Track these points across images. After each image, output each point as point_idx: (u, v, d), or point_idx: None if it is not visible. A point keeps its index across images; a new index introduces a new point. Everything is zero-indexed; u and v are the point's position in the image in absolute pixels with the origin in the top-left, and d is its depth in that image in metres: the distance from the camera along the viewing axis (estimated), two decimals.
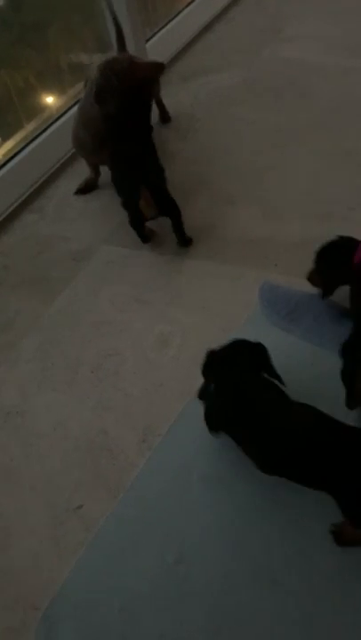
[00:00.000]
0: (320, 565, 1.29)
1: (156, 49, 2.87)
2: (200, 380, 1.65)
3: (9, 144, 2.51)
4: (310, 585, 1.26)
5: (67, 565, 1.36)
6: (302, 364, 1.62)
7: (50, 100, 2.83)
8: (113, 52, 2.40)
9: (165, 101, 2.59)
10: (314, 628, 1.21)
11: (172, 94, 2.70)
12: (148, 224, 2.02)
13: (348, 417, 1.37)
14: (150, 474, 1.48)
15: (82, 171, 2.37)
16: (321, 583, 1.26)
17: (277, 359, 1.64)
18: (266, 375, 1.38)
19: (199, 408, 1.59)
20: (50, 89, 2.80)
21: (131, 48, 2.49)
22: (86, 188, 2.35)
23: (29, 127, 2.56)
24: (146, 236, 2.04)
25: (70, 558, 1.37)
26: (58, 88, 2.81)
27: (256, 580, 1.28)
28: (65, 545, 1.40)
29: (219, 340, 1.65)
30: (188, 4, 3.21)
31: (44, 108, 2.79)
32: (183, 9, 3.17)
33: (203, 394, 1.44)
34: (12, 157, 2.42)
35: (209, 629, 1.24)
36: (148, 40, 2.87)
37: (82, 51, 2.84)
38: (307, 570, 1.28)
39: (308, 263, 1.86)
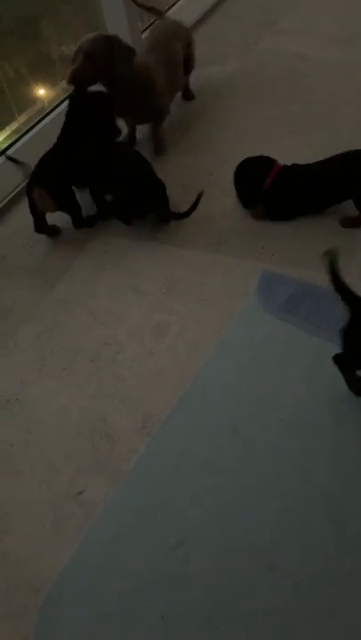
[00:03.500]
0: (318, 549, 1.31)
1: None
2: (198, 369, 1.68)
3: (1, 135, 2.51)
4: (307, 568, 1.29)
5: (68, 550, 1.38)
6: (298, 352, 1.65)
7: (41, 92, 2.83)
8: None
9: None
10: (311, 612, 1.24)
11: None
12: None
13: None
14: (150, 459, 1.50)
15: None
16: (319, 567, 1.29)
17: (274, 347, 1.67)
18: None
19: (198, 395, 1.61)
20: (42, 81, 2.79)
21: (126, 39, 2.49)
22: None
23: (21, 119, 2.56)
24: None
25: (71, 543, 1.39)
26: (50, 80, 2.80)
27: (254, 564, 1.31)
28: (66, 530, 1.42)
29: (216, 329, 1.67)
30: None
31: (35, 99, 2.78)
32: (178, 0, 3.17)
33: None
34: (6, 149, 2.42)
35: (208, 611, 1.26)
36: (143, 31, 2.87)
37: (73, 43, 2.82)
38: (304, 554, 1.31)
39: (305, 253, 1.89)
